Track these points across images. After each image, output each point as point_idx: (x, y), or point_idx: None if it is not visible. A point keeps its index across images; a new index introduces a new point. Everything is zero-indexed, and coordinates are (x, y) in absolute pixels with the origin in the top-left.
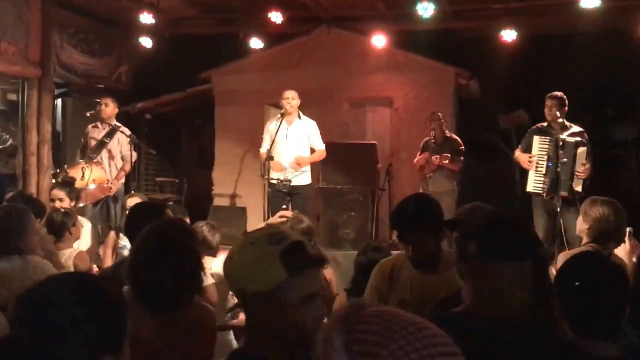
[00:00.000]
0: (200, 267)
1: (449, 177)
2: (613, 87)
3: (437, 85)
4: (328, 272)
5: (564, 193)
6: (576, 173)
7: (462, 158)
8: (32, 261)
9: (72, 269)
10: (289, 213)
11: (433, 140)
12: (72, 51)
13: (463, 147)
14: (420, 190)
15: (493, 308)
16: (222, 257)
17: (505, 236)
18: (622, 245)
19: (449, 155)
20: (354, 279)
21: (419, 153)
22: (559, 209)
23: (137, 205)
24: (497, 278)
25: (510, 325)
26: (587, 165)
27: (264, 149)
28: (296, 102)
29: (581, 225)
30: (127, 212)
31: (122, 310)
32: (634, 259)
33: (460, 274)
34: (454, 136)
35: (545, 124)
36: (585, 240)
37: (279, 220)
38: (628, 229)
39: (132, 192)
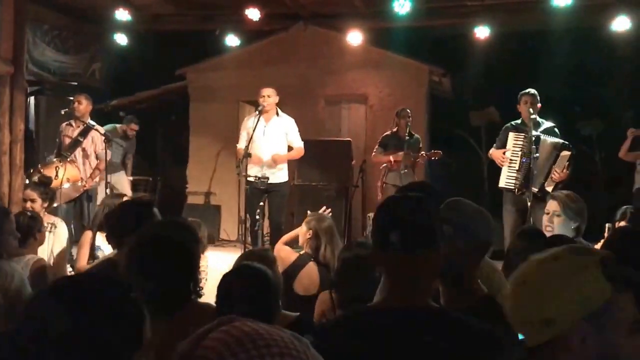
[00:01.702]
0: (196, 269)
1: (413, 174)
2: (580, 84)
3: (411, 83)
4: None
5: (534, 189)
6: (552, 173)
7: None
8: (10, 264)
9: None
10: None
11: (407, 137)
12: (45, 48)
13: (421, 145)
14: (391, 187)
15: (409, 299)
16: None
17: (427, 225)
18: (602, 240)
19: (440, 152)
20: (338, 274)
21: (377, 147)
22: (529, 204)
23: (125, 203)
24: (414, 268)
25: (425, 315)
26: (565, 171)
27: (242, 145)
28: (273, 99)
29: (567, 225)
30: (116, 210)
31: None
32: None
33: (377, 264)
34: (416, 134)
35: (519, 121)
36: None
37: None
38: (607, 225)
39: (117, 192)
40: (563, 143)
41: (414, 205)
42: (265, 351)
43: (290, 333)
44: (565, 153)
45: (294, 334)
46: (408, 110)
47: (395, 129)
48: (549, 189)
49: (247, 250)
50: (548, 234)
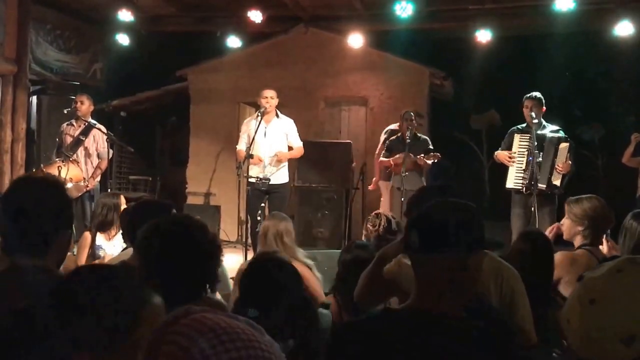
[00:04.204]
0: (218, 261)
1: (420, 176)
2: (582, 89)
3: (412, 86)
4: (306, 272)
5: (542, 186)
6: (556, 167)
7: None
8: None
9: None
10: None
11: (408, 139)
12: (48, 48)
13: (431, 146)
14: (392, 189)
15: (436, 304)
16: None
17: (447, 226)
18: (600, 247)
19: (439, 155)
20: (338, 276)
21: (379, 147)
22: (533, 207)
23: (142, 203)
24: (440, 271)
25: (453, 323)
26: (568, 162)
27: (242, 147)
28: (275, 101)
29: (573, 228)
30: (130, 210)
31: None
32: None
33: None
34: (423, 136)
35: (524, 125)
36: (581, 241)
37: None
38: None
39: (114, 191)
40: (559, 137)
41: (434, 205)
42: (230, 345)
43: (245, 320)
44: (564, 145)
45: (249, 321)
46: (411, 114)
47: (399, 132)
48: (556, 182)
49: (260, 251)
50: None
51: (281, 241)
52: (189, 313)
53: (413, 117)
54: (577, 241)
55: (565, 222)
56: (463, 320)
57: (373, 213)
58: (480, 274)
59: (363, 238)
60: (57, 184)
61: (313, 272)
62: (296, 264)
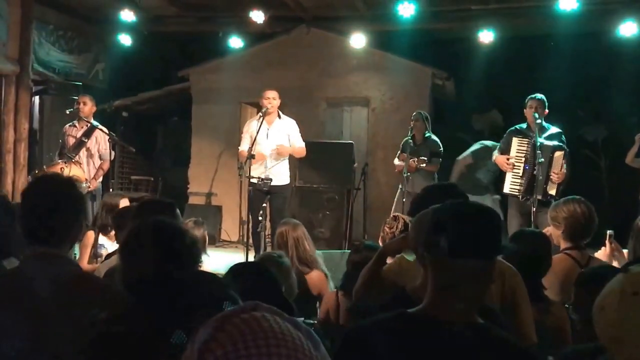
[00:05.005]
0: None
1: (427, 178)
2: (585, 89)
3: (414, 86)
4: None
5: (538, 196)
6: (551, 177)
7: (440, 159)
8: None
9: None
10: None
11: (411, 141)
12: (50, 48)
13: (442, 148)
14: (399, 191)
15: (454, 311)
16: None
17: (479, 233)
18: (603, 248)
19: (425, 159)
20: (346, 277)
21: (398, 153)
22: (533, 209)
23: (146, 202)
24: (464, 277)
25: (470, 332)
26: (563, 170)
27: (244, 148)
28: (277, 101)
29: (554, 232)
30: (133, 210)
31: None
32: (615, 262)
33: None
34: (434, 137)
35: (524, 125)
36: (563, 245)
37: None
38: (609, 232)
39: (117, 192)
40: (554, 145)
41: (467, 209)
42: (274, 350)
43: (305, 329)
44: (558, 153)
45: (309, 331)
46: (420, 113)
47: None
48: (552, 192)
49: (264, 253)
50: None
51: (302, 246)
52: (253, 309)
53: (415, 119)
54: (562, 245)
55: (550, 228)
56: (480, 327)
57: (391, 215)
58: (493, 279)
59: (379, 240)
60: (70, 181)
61: (328, 281)
62: (315, 272)
